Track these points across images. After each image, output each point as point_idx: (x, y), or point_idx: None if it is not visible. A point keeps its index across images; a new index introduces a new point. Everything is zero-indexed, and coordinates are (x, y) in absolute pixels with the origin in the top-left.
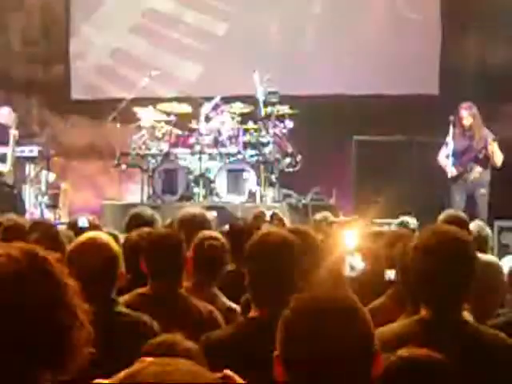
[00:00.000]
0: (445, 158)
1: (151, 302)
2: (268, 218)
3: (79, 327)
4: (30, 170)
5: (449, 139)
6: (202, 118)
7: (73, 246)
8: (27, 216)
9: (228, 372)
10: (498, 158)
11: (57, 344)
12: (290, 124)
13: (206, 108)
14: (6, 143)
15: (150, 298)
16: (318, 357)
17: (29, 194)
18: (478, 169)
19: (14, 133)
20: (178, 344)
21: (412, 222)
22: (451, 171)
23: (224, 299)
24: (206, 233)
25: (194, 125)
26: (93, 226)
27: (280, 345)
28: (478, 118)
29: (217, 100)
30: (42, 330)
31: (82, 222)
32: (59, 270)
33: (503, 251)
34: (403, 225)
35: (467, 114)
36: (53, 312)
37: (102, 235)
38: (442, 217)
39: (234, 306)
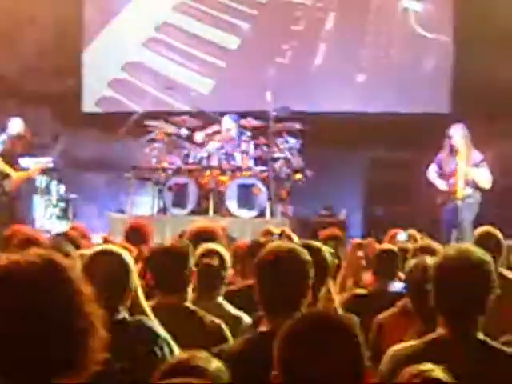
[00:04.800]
0: (434, 173)
1: (159, 314)
2: (276, 236)
3: (94, 332)
4: (42, 181)
5: (440, 156)
6: (224, 131)
7: (88, 255)
8: (37, 227)
9: None
10: (483, 181)
11: (72, 348)
12: (300, 140)
13: (226, 122)
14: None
15: (157, 310)
16: (309, 379)
17: (39, 205)
18: (468, 190)
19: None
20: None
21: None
22: (441, 184)
23: (229, 307)
24: (205, 247)
25: (206, 139)
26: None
27: (276, 365)
28: (468, 140)
29: (233, 116)
30: (58, 334)
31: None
32: (75, 276)
33: None
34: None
35: (458, 136)
36: (68, 317)
37: (116, 247)
38: (476, 233)
39: (240, 314)
